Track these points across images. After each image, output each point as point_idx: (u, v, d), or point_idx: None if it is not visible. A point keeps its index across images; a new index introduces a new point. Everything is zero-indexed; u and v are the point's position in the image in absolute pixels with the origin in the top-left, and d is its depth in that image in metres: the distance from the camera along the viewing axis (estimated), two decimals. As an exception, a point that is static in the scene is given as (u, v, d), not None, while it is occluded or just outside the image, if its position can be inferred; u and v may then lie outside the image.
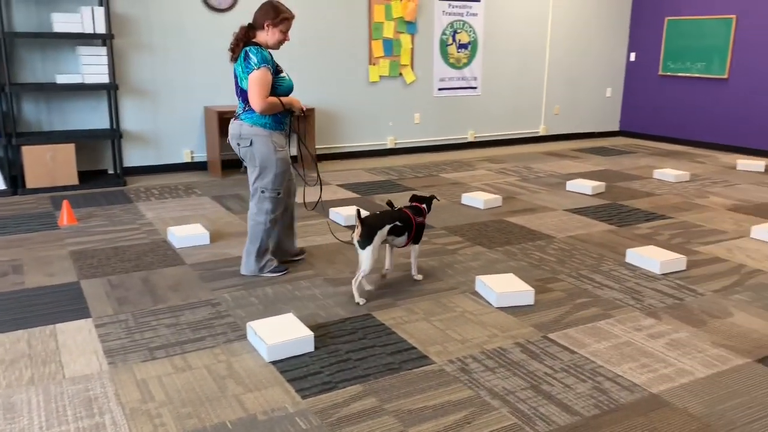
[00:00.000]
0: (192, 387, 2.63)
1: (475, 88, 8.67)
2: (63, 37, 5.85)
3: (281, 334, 2.90)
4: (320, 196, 4.16)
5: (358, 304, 3.46)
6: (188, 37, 6.70)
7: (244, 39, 3.58)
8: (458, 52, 8.42)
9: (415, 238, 3.72)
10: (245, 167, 3.80)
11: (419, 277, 3.86)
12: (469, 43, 8.48)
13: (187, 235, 4.44)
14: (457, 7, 8.26)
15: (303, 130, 3.72)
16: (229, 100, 7.00)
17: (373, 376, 2.72)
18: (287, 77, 3.71)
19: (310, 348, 2.92)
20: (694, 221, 5.22)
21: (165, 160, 6.88)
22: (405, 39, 7.95)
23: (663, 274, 3.98)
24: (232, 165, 7.11)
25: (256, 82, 3.49)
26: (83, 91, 6.33)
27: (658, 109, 9.60)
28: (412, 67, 8.11)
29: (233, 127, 3.69)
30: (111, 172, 6.61)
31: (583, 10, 9.31)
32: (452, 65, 8.41)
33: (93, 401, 2.51)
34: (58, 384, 2.64)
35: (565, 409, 2.50)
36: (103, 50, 6.04)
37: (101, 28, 5.95)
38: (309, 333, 2.93)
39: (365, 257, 3.41)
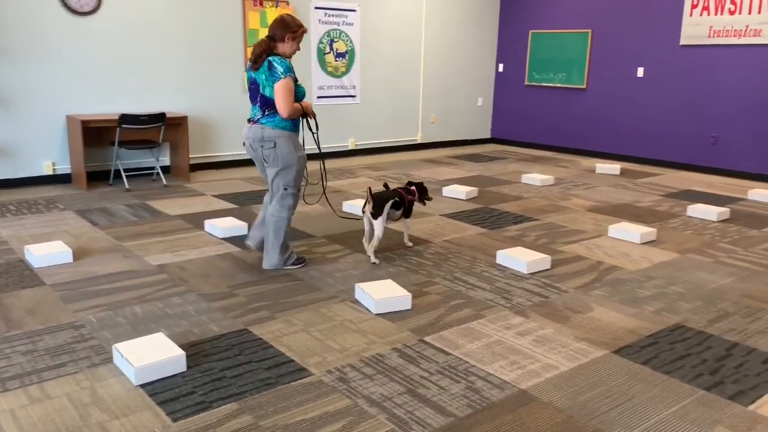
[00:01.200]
0: (50, 418, 2.44)
1: (354, 96, 8.75)
2: None
3: (150, 355, 2.77)
4: (324, 191, 4.86)
5: (375, 263, 4.29)
6: (48, 41, 6.25)
7: (268, 50, 3.83)
8: (336, 60, 8.46)
9: (407, 213, 4.55)
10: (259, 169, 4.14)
11: (410, 243, 4.77)
12: (346, 52, 8.55)
13: (47, 253, 4.13)
14: (333, 16, 8.31)
15: (315, 130, 4.21)
16: (96, 109, 6.60)
17: (249, 392, 2.66)
18: (302, 85, 3.99)
19: (182, 368, 2.81)
20: (558, 222, 5.55)
21: (23, 173, 6.37)
22: (281, 47, 7.88)
23: (530, 274, 4.20)
24: (98, 177, 6.72)
25: (283, 90, 3.76)
26: None
27: (525, 117, 10.16)
28: (290, 75, 8.04)
29: (254, 130, 3.91)
30: (-42, 186, 6.03)
31: (453, 22, 9.67)
32: (331, 74, 8.44)
33: (-68, 443, 2.27)
34: None
35: (439, 411, 2.56)
36: (-54, 54, 5.51)
37: (-58, 30, 5.42)
38: (180, 352, 2.81)
39: (378, 225, 4.24)
